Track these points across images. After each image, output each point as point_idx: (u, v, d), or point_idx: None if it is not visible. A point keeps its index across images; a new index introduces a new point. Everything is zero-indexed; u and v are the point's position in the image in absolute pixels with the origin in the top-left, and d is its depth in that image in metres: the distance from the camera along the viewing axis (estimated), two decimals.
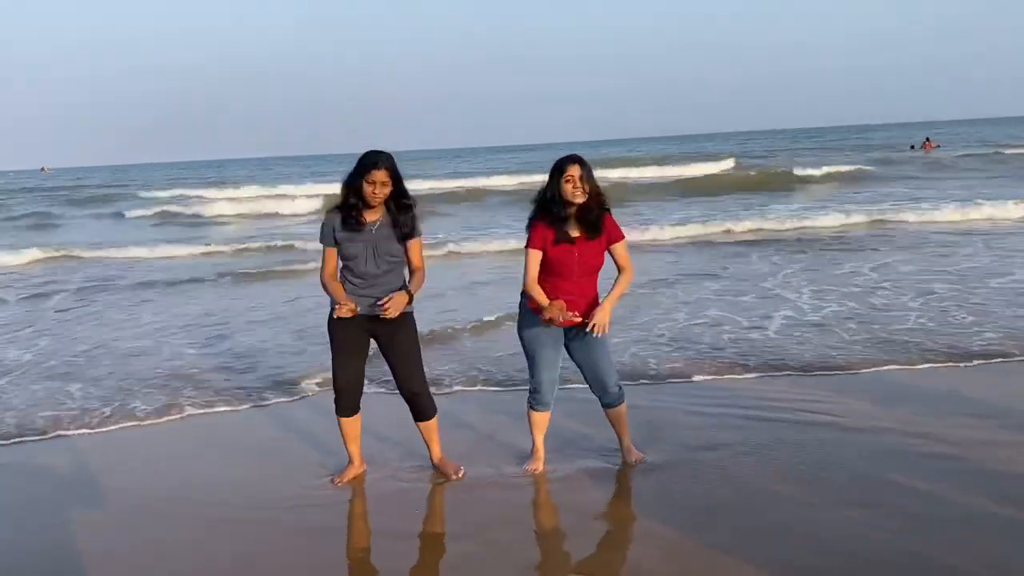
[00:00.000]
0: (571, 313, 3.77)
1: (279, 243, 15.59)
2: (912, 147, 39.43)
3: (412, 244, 3.90)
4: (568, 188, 3.73)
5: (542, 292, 3.84)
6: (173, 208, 26.10)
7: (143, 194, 35.29)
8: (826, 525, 3.39)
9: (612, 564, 3.31)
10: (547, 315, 3.75)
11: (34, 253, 15.18)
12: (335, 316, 3.81)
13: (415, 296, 3.88)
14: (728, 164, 32.63)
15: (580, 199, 3.75)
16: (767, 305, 7.80)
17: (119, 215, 26.21)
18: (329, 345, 3.96)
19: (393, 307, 3.74)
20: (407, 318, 3.92)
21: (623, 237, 3.93)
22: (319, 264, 3.96)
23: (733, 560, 3.15)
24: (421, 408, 4.06)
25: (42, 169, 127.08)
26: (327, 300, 3.93)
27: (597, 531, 3.56)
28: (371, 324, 3.88)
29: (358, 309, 3.80)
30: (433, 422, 4.12)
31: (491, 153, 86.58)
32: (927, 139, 40.85)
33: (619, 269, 3.97)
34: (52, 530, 3.75)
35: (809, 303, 7.81)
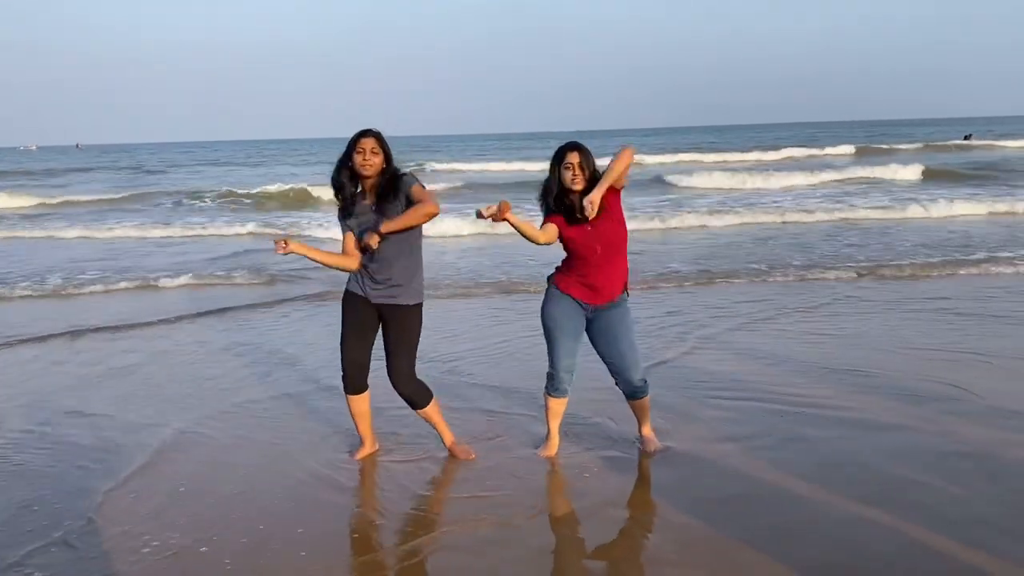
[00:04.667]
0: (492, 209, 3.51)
1: None
2: (966, 137, 39.53)
3: (412, 190, 3.75)
4: (567, 176, 3.76)
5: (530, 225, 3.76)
6: None
7: None
8: (845, 522, 3.33)
9: (627, 552, 3.28)
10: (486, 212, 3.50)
11: None
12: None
13: (408, 223, 3.70)
14: None
15: (580, 185, 3.77)
16: None
17: None
18: (341, 322, 3.99)
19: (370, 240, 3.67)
20: (415, 312, 3.93)
21: (621, 187, 3.84)
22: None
23: (749, 554, 3.10)
24: (409, 399, 4.02)
25: (76, 145, 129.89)
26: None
27: (612, 519, 3.52)
28: (381, 309, 3.92)
29: (370, 294, 3.87)
30: (430, 409, 4.06)
31: None
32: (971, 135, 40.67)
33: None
34: None
35: None
